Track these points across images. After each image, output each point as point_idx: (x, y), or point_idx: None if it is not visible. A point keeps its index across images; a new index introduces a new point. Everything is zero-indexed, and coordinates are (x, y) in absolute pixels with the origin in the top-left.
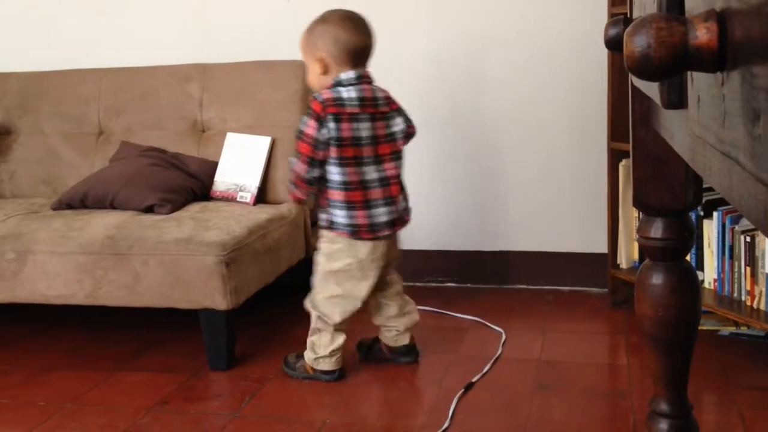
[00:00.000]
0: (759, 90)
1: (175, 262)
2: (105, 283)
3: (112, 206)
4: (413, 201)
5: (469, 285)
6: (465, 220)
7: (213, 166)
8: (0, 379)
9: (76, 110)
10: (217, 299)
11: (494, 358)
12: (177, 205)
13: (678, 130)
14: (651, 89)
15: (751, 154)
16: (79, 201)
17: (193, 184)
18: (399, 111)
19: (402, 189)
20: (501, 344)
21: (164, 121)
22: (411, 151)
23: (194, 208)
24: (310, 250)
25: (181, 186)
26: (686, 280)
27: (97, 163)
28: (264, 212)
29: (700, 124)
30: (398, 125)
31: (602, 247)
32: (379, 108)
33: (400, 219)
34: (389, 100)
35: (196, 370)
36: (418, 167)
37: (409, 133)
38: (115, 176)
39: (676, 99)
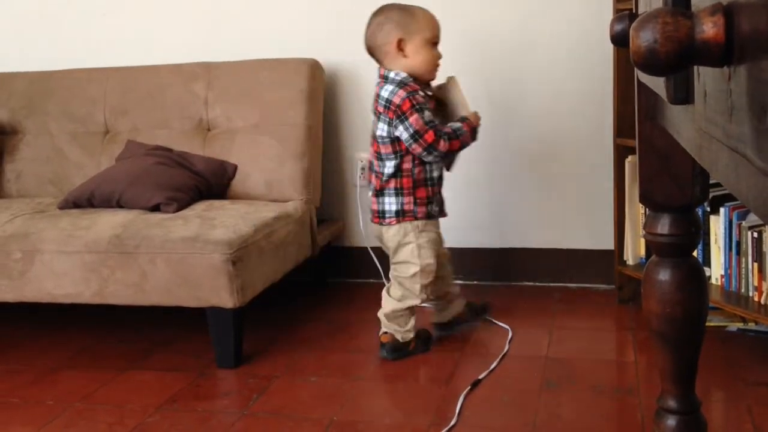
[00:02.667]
0: (766, 84)
1: (181, 261)
2: (112, 282)
3: (119, 205)
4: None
5: (475, 282)
6: (471, 217)
7: (218, 165)
8: (9, 379)
9: (82, 110)
10: (224, 297)
11: (501, 355)
12: (183, 203)
13: (684, 125)
14: (657, 84)
15: (758, 149)
16: (85, 200)
17: (198, 182)
18: (392, 120)
19: (383, 189)
20: (508, 341)
21: (170, 120)
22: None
23: (200, 207)
24: (317, 248)
25: (187, 184)
26: (693, 276)
27: (104, 163)
28: (270, 210)
29: (707, 119)
30: (380, 129)
31: (609, 244)
32: (378, 107)
33: (374, 212)
34: (389, 105)
35: (204, 368)
36: None
37: (401, 146)
38: (122, 175)
39: (683, 94)
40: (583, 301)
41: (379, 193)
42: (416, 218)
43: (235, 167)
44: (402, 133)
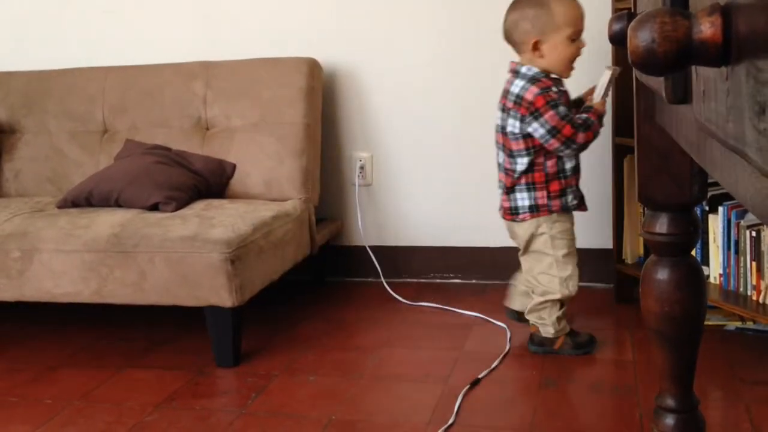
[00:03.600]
0: (764, 84)
1: (180, 260)
2: (111, 281)
3: (117, 204)
4: (419, 198)
5: (473, 281)
6: (470, 215)
7: (217, 164)
8: (8, 378)
9: (80, 108)
10: (223, 296)
11: (503, 354)
12: (182, 202)
13: (683, 125)
14: (656, 84)
15: (756, 149)
16: (84, 199)
17: (197, 181)
18: (524, 117)
19: (514, 186)
20: (507, 340)
21: (169, 118)
22: (414, 149)
23: (199, 206)
24: (315, 247)
25: (185, 184)
26: (692, 275)
27: (102, 161)
28: (269, 209)
29: (705, 118)
30: (511, 126)
31: (607, 243)
32: (507, 101)
33: (505, 209)
34: (519, 101)
35: (203, 367)
36: (423, 164)
37: (534, 142)
38: (120, 174)
39: (681, 94)
40: (581, 300)
41: (510, 190)
42: (551, 212)
43: (234, 166)
44: (537, 129)
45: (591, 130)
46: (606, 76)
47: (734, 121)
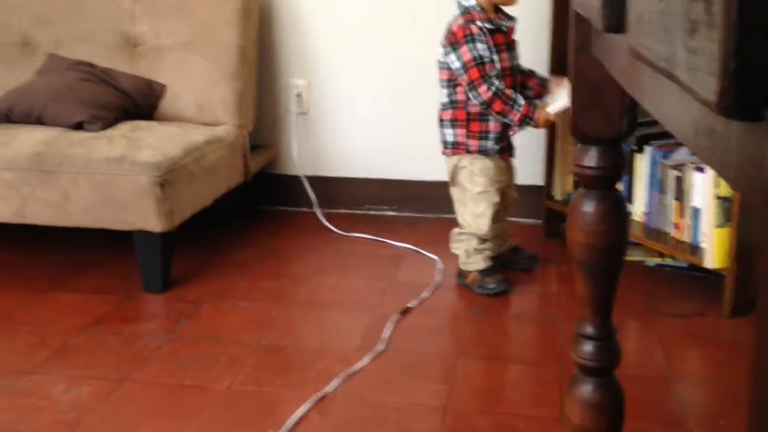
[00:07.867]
0: (697, 1)
1: (106, 182)
2: (33, 201)
3: (39, 121)
4: (356, 129)
5: (407, 213)
6: (406, 149)
7: (145, 83)
8: None
9: (0, 17)
10: (152, 221)
11: (434, 285)
12: (108, 122)
13: (617, 55)
14: (592, 13)
15: (686, 68)
16: (3, 115)
17: (124, 101)
18: (448, 47)
19: (441, 119)
20: (437, 272)
21: (94, 33)
22: (353, 78)
23: (126, 127)
24: (249, 174)
25: (112, 103)
26: (616, 209)
27: (22, 76)
28: (201, 133)
29: (639, 43)
30: (439, 54)
31: (538, 180)
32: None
33: (441, 142)
34: (447, 33)
35: (131, 291)
36: (362, 94)
37: (453, 78)
38: (43, 90)
39: (616, 22)
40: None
41: (440, 123)
42: (468, 152)
43: (164, 87)
44: (453, 62)
45: (504, 107)
46: (565, 90)
47: (666, 42)
